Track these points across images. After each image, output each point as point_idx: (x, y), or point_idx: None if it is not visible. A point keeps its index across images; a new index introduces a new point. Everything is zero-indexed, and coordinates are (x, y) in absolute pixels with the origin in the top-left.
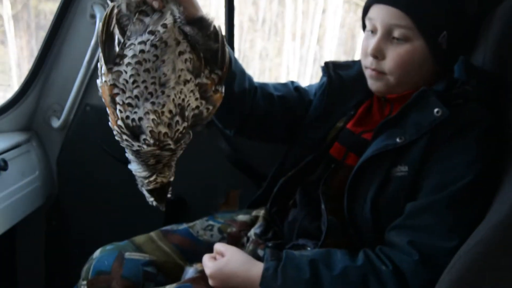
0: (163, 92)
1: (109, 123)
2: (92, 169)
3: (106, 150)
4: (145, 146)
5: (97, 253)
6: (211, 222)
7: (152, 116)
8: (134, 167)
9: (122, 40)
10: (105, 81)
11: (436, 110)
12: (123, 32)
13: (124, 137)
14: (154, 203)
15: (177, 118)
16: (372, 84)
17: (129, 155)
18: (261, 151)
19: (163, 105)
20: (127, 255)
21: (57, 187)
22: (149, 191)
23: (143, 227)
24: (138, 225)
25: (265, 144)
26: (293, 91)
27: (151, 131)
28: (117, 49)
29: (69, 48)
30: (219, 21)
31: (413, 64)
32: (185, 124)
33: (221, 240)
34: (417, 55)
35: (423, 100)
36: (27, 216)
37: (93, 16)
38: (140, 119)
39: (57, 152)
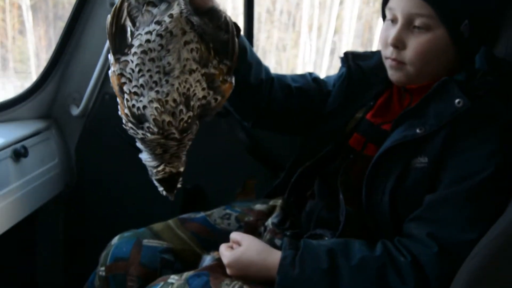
0: (167, 81)
1: (119, 112)
2: (111, 156)
3: (122, 135)
4: (149, 134)
5: (115, 239)
6: (228, 211)
7: (155, 105)
8: (144, 156)
9: (133, 31)
10: (113, 71)
11: (457, 100)
12: (134, 24)
13: (130, 125)
14: (164, 193)
15: (182, 107)
16: (392, 74)
17: (139, 144)
18: (278, 141)
19: (167, 94)
20: (145, 242)
21: (76, 174)
22: (158, 180)
23: (160, 214)
24: (155, 212)
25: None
26: (311, 82)
27: (154, 119)
28: (129, 40)
29: (89, 36)
30: (236, 12)
31: (434, 53)
32: (190, 113)
33: (238, 229)
34: (438, 44)
35: (444, 90)
36: (47, 202)
37: (113, 5)
38: (144, 107)
39: (76, 139)
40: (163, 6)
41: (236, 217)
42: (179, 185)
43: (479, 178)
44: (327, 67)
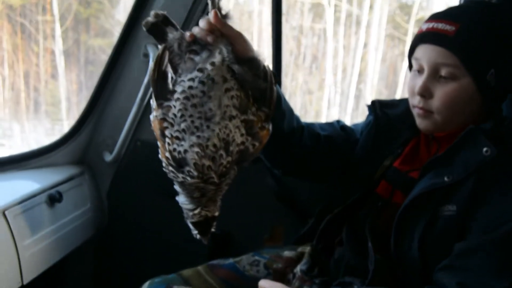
0: (208, 127)
1: (159, 155)
2: (141, 202)
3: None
4: (189, 178)
5: (145, 285)
6: (257, 258)
7: (196, 149)
8: (181, 199)
9: (175, 78)
10: (156, 116)
11: (485, 149)
12: (175, 71)
13: (170, 168)
14: (198, 236)
15: (221, 152)
16: (420, 122)
17: (176, 187)
18: (307, 188)
19: (208, 139)
20: None
21: (107, 219)
22: (193, 223)
23: (189, 260)
24: (185, 258)
25: None
26: (339, 130)
27: (195, 163)
28: (170, 86)
29: (123, 85)
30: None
31: (460, 102)
32: (229, 158)
33: (267, 275)
34: (464, 93)
35: (471, 139)
36: (78, 246)
37: (146, 55)
38: (185, 151)
39: (108, 185)
40: (204, 54)
41: (264, 263)
42: (212, 229)
43: (508, 227)
44: (352, 109)
